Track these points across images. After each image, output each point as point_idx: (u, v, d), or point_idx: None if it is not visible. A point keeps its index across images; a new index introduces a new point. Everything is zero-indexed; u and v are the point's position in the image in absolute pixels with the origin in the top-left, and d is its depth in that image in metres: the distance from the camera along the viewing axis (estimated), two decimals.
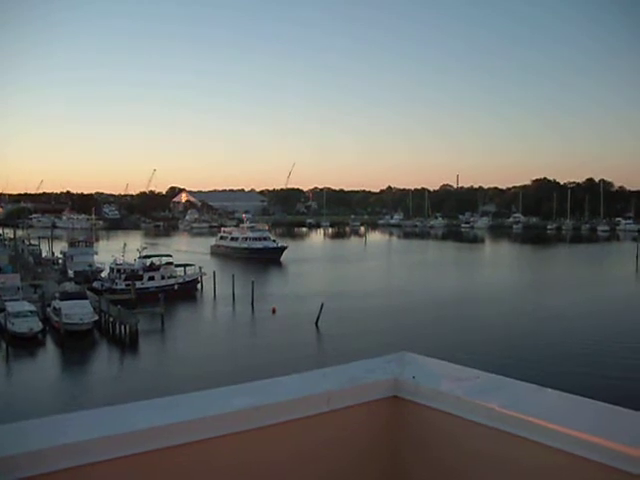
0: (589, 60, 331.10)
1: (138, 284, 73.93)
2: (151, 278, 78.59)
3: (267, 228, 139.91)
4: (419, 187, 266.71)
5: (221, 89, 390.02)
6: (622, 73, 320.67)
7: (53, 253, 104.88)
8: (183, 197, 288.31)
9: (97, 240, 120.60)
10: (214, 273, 79.57)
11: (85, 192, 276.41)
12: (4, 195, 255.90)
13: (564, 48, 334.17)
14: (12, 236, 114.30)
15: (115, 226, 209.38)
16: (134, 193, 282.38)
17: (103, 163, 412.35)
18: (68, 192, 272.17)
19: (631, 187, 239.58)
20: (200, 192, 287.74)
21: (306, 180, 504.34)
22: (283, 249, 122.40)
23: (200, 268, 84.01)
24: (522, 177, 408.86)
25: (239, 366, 43.34)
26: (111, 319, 57.79)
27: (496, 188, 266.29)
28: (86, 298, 60.52)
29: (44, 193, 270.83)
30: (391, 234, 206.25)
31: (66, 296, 59.79)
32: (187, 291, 78.81)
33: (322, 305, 59.30)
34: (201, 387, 3.14)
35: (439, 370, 3.20)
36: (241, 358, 47.14)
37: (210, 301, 75.33)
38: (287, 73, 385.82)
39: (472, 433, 2.77)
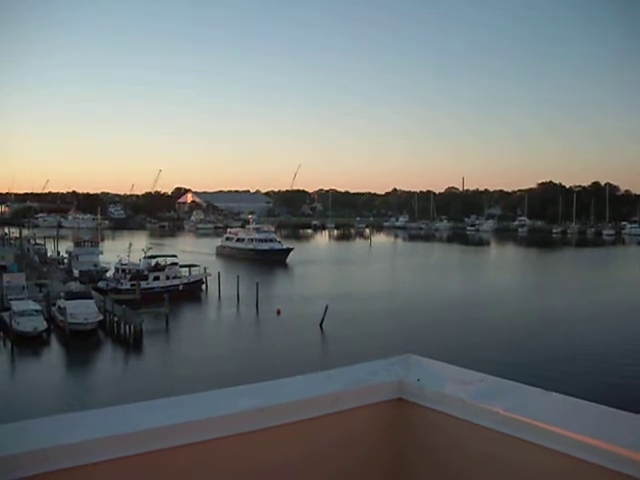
0: (590, 62, 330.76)
1: (143, 284, 74.02)
2: (156, 278, 78.66)
3: (273, 229, 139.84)
4: (425, 189, 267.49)
5: (227, 90, 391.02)
6: (624, 76, 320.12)
7: (58, 252, 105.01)
8: (189, 198, 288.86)
9: (102, 240, 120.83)
10: (219, 274, 79.57)
11: (91, 192, 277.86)
12: (10, 194, 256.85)
13: (567, 51, 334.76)
14: (18, 235, 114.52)
15: (120, 226, 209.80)
16: (140, 193, 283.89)
17: (109, 163, 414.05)
18: (74, 192, 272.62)
19: (637, 191, 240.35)
20: (205, 193, 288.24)
21: (311, 182, 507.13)
22: (289, 251, 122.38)
23: (205, 269, 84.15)
24: (528, 180, 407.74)
25: (243, 367, 43.36)
26: (116, 319, 57.85)
27: (502, 191, 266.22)
28: (91, 298, 60.64)
29: (50, 193, 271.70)
30: (396, 236, 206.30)
31: (71, 296, 59.89)
32: (192, 292, 78.90)
33: (327, 307, 59.25)
34: (205, 388, 3.14)
35: (444, 373, 3.20)
36: (245, 359, 47.17)
37: (215, 302, 75.38)
38: (292, 74, 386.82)
39: (476, 436, 2.76)
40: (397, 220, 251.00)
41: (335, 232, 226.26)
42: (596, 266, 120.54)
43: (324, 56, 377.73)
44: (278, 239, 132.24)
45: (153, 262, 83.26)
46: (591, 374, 41.43)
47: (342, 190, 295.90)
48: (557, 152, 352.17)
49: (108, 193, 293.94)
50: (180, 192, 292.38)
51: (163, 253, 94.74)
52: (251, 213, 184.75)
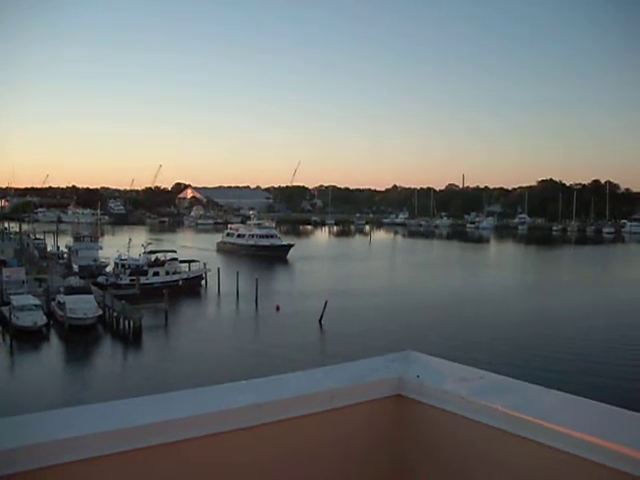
0: (593, 61, 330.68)
1: (143, 279, 73.98)
2: (156, 274, 78.68)
3: (274, 225, 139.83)
4: (425, 186, 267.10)
5: (227, 86, 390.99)
6: (625, 74, 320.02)
7: (58, 247, 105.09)
8: (188, 193, 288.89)
9: (102, 235, 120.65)
10: (218, 270, 79.55)
11: (91, 187, 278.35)
12: (10, 189, 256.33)
13: (568, 49, 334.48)
14: (17, 230, 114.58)
15: (120, 221, 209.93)
16: (140, 188, 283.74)
17: (109, 158, 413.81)
18: (74, 187, 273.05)
19: (638, 189, 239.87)
20: (206, 188, 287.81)
21: (312, 178, 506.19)
22: (290, 247, 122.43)
23: (205, 264, 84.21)
24: (528, 178, 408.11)
25: (241, 363, 43.45)
26: (115, 314, 57.84)
27: (502, 188, 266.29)
28: (90, 293, 60.64)
29: (50, 187, 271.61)
30: (396, 233, 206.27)
31: (71, 290, 59.98)
32: (191, 287, 78.98)
33: (326, 303, 59.29)
34: (204, 383, 3.13)
35: (443, 369, 3.19)
36: (244, 355, 47.19)
37: (214, 297, 75.39)
38: (292, 70, 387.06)
39: (476, 433, 2.76)
40: (397, 217, 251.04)
41: (335, 228, 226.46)
42: (596, 264, 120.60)
43: (324, 52, 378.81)
44: (279, 235, 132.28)
45: (153, 257, 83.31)
46: (591, 372, 41.44)
47: (342, 186, 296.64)
48: (557, 150, 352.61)
49: (108, 188, 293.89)
50: (180, 187, 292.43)
51: (163, 248, 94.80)
52: (251, 209, 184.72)
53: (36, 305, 55.94)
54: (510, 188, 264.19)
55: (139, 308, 57.74)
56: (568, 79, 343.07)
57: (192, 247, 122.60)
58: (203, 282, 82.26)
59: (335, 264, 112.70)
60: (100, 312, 57.70)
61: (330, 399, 2.87)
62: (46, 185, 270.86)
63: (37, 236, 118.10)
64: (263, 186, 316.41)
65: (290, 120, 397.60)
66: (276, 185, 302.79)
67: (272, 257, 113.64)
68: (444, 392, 2.89)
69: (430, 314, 62.24)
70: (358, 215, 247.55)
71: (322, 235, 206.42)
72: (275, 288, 79.54)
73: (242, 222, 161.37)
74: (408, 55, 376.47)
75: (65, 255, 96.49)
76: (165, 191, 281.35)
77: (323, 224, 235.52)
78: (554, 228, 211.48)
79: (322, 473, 2.92)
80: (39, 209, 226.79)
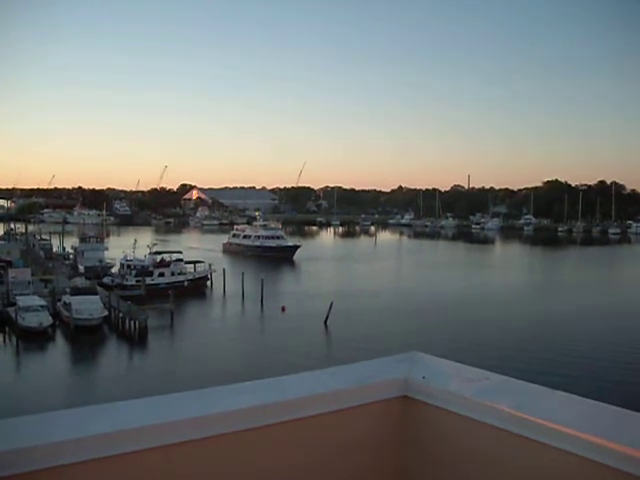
0: (602, 61, 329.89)
1: (148, 280, 74.07)
2: (161, 274, 78.78)
3: (280, 226, 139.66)
4: (430, 187, 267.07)
5: (231, 87, 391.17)
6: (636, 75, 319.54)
7: (64, 248, 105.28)
8: (194, 194, 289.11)
9: (108, 236, 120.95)
10: (224, 270, 79.60)
11: (96, 188, 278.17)
12: (16, 190, 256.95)
13: (577, 48, 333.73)
14: (24, 231, 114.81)
15: (126, 222, 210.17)
16: (145, 189, 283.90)
17: (115, 159, 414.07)
18: (80, 187, 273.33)
19: None
20: (211, 189, 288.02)
21: (317, 179, 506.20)
22: (296, 248, 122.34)
23: (210, 265, 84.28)
24: (533, 179, 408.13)
25: (246, 364, 43.47)
26: (121, 315, 57.99)
27: (507, 189, 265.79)
28: (96, 293, 60.72)
29: (56, 188, 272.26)
30: (401, 234, 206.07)
31: (76, 291, 60.06)
32: (197, 288, 79.05)
33: (331, 304, 59.28)
34: (208, 384, 3.12)
35: (449, 370, 3.19)
36: (249, 356, 47.20)
37: (219, 298, 75.40)
38: (295, 69, 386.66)
39: (481, 434, 2.75)
40: (402, 218, 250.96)
41: (340, 229, 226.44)
42: (602, 265, 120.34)
43: (327, 51, 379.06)
44: (285, 236, 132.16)
45: (158, 258, 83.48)
46: (596, 374, 41.36)
47: (347, 187, 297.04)
48: (563, 151, 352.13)
49: (114, 189, 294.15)
50: (185, 188, 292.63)
51: (168, 249, 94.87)
52: (257, 210, 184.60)
53: (42, 306, 56.07)
54: (515, 189, 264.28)
55: (145, 309, 57.87)
56: (577, 78, 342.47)
57: (198, 248, 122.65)
58: (208, 283, 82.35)
59: (341, 265, 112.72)
60: (106, 313, 57.82)
61: (335, 400, 2.87)
62: (52, 186, 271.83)
63: (43, 237, 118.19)
64: (269, 187, 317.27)
65: (296, 121, 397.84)
66: (281, 186, 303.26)
67: (278, 258, 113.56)
68: (450, 393, 2.89)
69: (436, 315, 62.15)
70: (363, 216, 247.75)
71: (327, 236, 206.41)
72: (281, 289, 79.60)
73: (248, 223, 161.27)
74: (414, 53, 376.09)
75: (71, 256, 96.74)
76: (170, 192, 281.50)
77: (328, 225, 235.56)
78: (560, 229, 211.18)
79: (327, 475, 2.92)
80: (45, 210, 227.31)
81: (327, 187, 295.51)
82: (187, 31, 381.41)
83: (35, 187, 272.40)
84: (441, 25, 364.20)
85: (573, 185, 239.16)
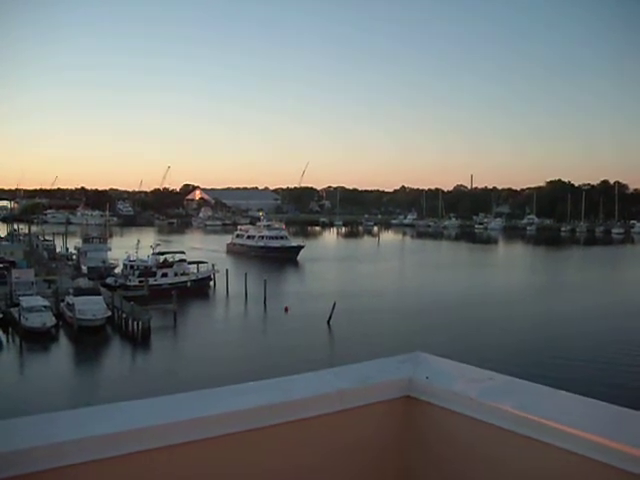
0: (602, 61, 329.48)
1: (151, 281, 74.12)
2: (164, 275, 78.79)
3: (284, 227, 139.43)
4: (433, 187, 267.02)
5: (229, 87, 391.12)
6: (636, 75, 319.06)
7: (67, 249, 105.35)
8: (197, 194, 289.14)
9: (111, 236, 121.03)
10: (227, 271, 79.58)
11: (100, 188, 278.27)
12: (19, 191, 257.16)
13: (577, 48, 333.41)
14: (27, 231, 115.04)
15: (129, 223, 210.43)
16: (148, 190, 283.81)
17: (118, 160, 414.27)
18: (83, 188, 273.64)
19: None
20: (214, 190, 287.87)
21: (320, 179, 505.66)
22: (300, 248, 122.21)
23: (213, 265, 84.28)
24: (536, 179, 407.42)
25: (250, 364, 43.41)
26: (124, 315, 57.96)
27: (510, 189, 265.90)
28: (99, 294, 60.81)
29: (59, 189, 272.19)
30: (404, 234, 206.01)
31: (79, 292, 60.15)
32: (200, 288, 79.04)
33: (334, 304, 59.28)
34: (212, 385, 3.12)
35: (453, 371, 3.19)
36: (252, 356, 47.18)
37: (223, 299, 75.41)
38: (296, 69, 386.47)
39: (485, 434, 2.75)
40: (405, 218, 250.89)
41: (343, 229, 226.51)
42: (605, 265, 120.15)
43: (327, 51, 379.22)
44: (288, 236, 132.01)
45: (161, 259, 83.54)
46: (600, 374, 41.32)
47: (350, 187, 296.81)
48: (566, 151, 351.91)
49: (117, 190, 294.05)
50: (188, 189, 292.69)
51: (171, 250, 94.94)
52: (259, 210, 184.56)
53: (45, 306, 56.15)
54: (518, 189, 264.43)
55: (148, 309, 57.85)
56: (580, 79, 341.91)
57: (202, 249, 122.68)
58: (212, 283, 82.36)
59: (344, 265, 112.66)
60: (109, 313, 57.86)
61: (339, 400, 2.87)
62: (55, 187, 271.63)
63: (46, 237, 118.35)
64: (271, 187, 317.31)
65: (299, 121, 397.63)
66: (284, 186, 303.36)
67: (282, 258, 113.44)
68: (453, 393, 2.89)
69: (439, 316, 62.12)
70: (366, 216, 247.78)
71: (330, 236, 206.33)
72: (284, 289, 79.60)
73: (251, 223, 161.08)
74: (418, 54, 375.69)
75: (74, 256, 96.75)
76: (173, 192, 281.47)
77: (331, 225, 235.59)
78: (563, 229, 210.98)
79: (331, 474, 2.92)
80: (48, 210, 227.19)
81: (330, 187, 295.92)
82: (187, 31, 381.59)
83: (38, 188, 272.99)
84: (441, 25, 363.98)
85: (576, 185, 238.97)
